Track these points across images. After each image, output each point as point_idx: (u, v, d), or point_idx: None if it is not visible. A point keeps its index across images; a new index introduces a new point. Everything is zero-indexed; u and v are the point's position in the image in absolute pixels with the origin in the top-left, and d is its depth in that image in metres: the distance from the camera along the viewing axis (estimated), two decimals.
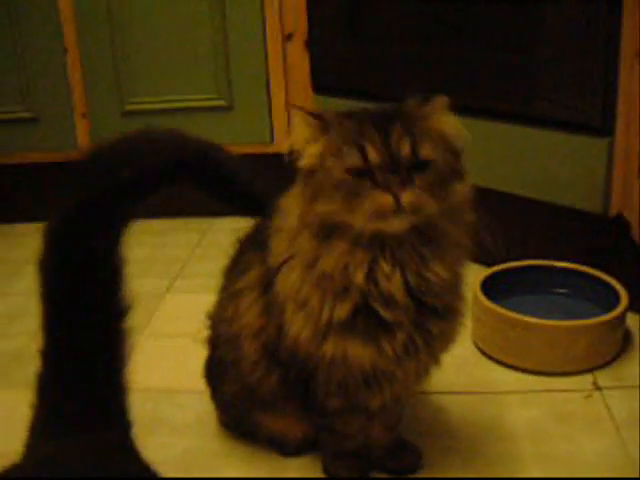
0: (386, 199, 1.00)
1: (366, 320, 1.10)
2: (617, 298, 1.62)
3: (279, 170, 2.48)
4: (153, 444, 1.41)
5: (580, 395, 1.50)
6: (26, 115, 2.51)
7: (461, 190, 1.08)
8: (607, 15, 1.64)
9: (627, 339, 1.65)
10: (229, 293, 1.26)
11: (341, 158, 1.03)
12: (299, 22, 2.32)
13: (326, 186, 1.04)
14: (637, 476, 1.26)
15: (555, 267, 1.76)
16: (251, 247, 1.25)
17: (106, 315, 0.77)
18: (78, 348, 0.76)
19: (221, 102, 2.41)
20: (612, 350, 1.60)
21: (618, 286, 1.65)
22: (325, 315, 1.10)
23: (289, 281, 1.13)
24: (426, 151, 1.04)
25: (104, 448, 0.74)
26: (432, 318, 1.12)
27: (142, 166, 0.77)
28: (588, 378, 1.55)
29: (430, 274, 1.08)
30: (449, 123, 1.09)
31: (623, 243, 1.75)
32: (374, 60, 2.21)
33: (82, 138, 2.50)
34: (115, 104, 2.45)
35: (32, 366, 1.81)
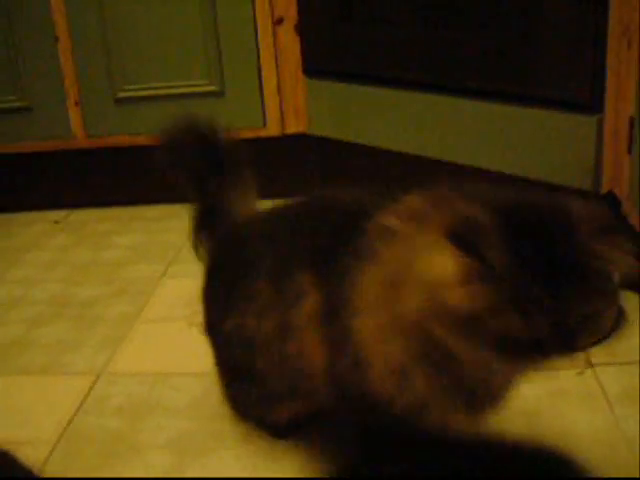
0: None
1: None
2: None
3: (271, 154, 2.48)
4: (148, 427, 1.43)
5: (573, 372, 1.51)
6: (19, 104, 2.51)
7: None
8: None
9: (620, 316, 1.66)
10: (280, 324, 1.10)
11: (500, 319, 0.87)
12: (289, 6, 2.32)
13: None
14: (629, 452, 1.27)
15: None
16: (302, 264, 1.07)
17: None
18: None
19: (213, 87, 2.41)
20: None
21: None
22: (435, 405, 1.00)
23: (387, 351, 0.97)
24: (593, 309, 0.91)
25: None
26: None
27: None
28: (581, 355, 1.56)
29: None
30: (623, 265, 0.95)
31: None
32: (365, 42, 2.21)
33: (75, 126, 2.50)
34: (107, 91, 2.45)
35: (29, 353, 1.82)
